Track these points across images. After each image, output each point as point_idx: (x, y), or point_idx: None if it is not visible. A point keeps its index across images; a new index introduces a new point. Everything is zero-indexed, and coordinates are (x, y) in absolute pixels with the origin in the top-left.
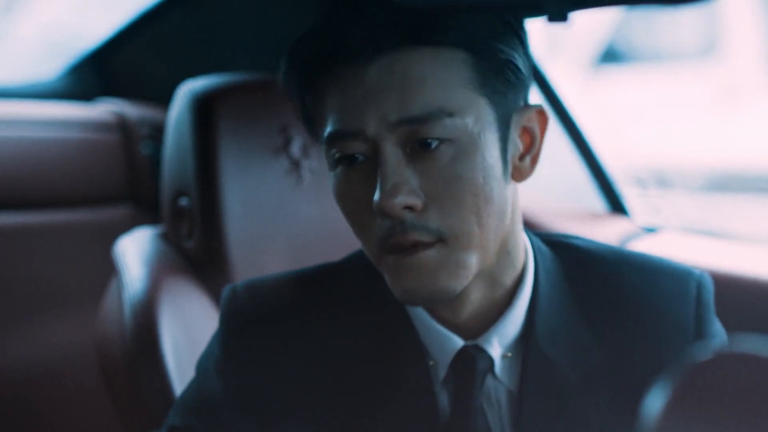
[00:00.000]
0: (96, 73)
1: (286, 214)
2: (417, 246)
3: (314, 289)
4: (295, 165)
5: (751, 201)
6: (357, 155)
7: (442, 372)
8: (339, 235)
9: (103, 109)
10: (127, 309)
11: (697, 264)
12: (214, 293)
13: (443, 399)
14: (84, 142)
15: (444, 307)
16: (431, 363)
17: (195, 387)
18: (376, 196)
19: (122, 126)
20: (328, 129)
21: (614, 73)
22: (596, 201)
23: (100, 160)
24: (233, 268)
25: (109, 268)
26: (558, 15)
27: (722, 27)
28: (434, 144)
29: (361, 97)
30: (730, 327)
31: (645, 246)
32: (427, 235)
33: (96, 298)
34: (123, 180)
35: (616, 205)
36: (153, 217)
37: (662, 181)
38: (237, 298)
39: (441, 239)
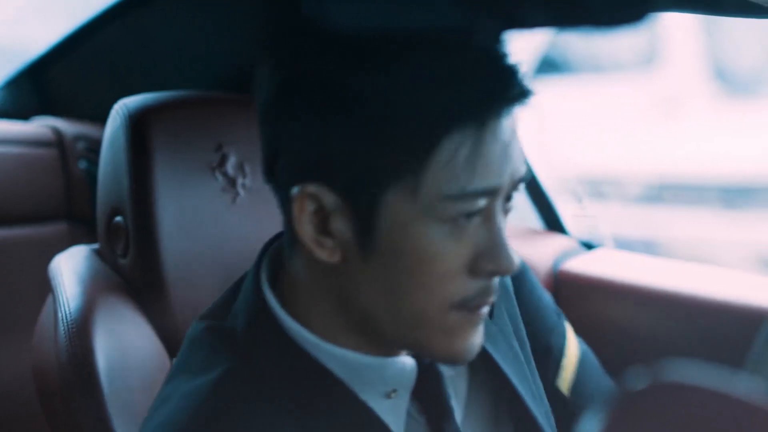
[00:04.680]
0: (31, 89)
1: (222, 232)
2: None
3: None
4: (231, 183)
5: (687, 210)
6: (474, 213)
7: (404, 395)
8: None
9: (39, 125)
10: (62, 328)
11: (634, 281)
12: (149, 312)
13: (414, 415)
14: (19, 158)
15: (371, 347)
16: (393, 392)
17: None
18: (506, 257)
19: (59, 142)
20: (471, 186)
21: (551, 83)
22: (532, 217)
23: (35, 177)
24: (168, 286)
25: (45, 287)
26: (492, 38)
27: (661, 37)
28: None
29: (499, 152)
30: (667, 345)
31: (582, 263)
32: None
33: (32, 317)
34: (60, 197)
35: (552, 221)
36: (90, 233)
37: (600, 193)
38: None
39: None
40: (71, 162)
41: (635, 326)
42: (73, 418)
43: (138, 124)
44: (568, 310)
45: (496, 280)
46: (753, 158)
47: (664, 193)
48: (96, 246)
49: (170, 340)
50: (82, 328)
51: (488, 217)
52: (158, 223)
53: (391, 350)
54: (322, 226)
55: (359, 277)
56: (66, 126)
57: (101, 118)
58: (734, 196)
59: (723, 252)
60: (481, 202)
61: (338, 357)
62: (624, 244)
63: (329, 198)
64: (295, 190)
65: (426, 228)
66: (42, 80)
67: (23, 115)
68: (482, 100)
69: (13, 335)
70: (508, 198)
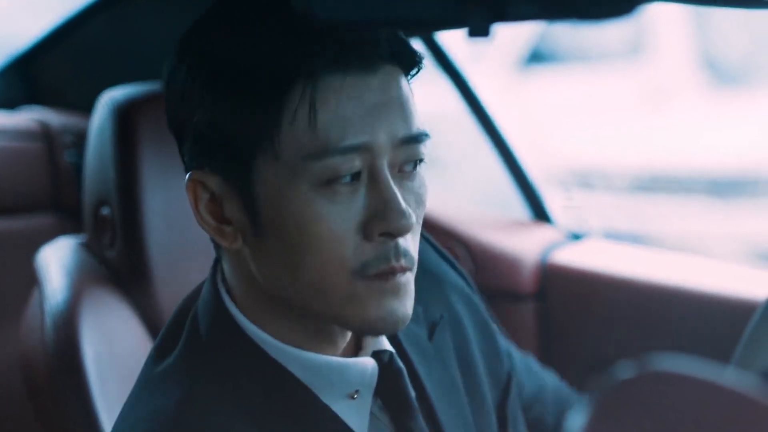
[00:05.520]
0: (19, 80)
1: None
2: (402, 271)
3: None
4: None
5: (676, 202)
6: (347, 176)
7: (367, 396)
8: None
9: (25, 117)
10: (49, 320)
11: (622, 273)
12: (135, 303)
13: (378, 415)
14: (6, 150)
15: (327, 346)
16: (355, 393)
17: None
18: (394, 217)
19: (45, 134)
20: (333, 141)
21: (540, 74)
22: (520, 208)
23: (22, 169)
24: (155, 278)
25: (32, 278)
26: (479, 29)
27: (649, 28)
28: (417, 164)
29: (367, 109)
30: (655, 337)
31: (569, 254)
32: (410, 261)
33: (19, 309)
34: (46, 188)
35: (540, 212)
36: (77, 225)
37: (588, 183)
38: None
39: (413, 267)
40: (58, 153)
41: (623, 317)
42: (59, 409)
43: (124, 115)
44: (555, 300)
45: (401, 243)
46: (742, 149)
47: (653, 183)
48: (82, 237)
49: (156, 332)
50: (69, 319)
51: (373, 178)
52: (145, 214)
53: (341, 345)
54: (219, 214)
55: (261, 258)
56: (53, 117)
57: (89, 109)
58: (723, 187)
59: (712, 243)
60: (354, 162)
61: (299, 359)
62: (612, 236)
63: (214, 182)
64: (186, 178)
65: (300, 193)
66: (30, 71)
67: (10, 105)
68: (305, 56)
69: (1, 324)
70: (414, 163)
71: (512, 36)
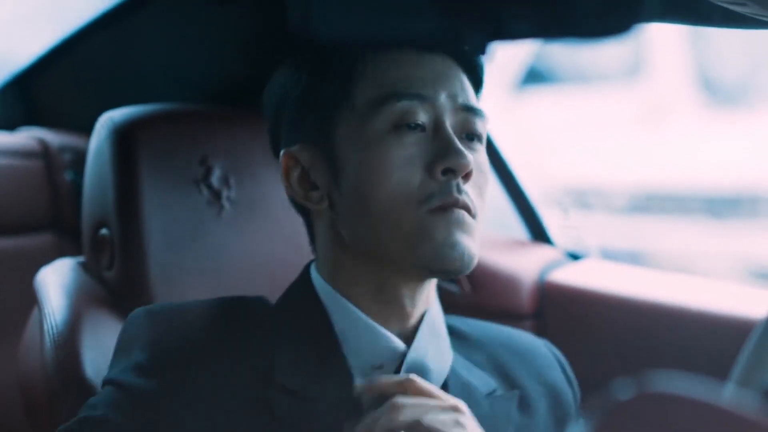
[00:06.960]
0: (18, 100)
1: (207, 244)
2: (463, 208)
3: (229, 316)
4: (216, 195)
5: (673, 221)
6: (412, 123)
7: (389, 372)
8: (259, 265)
9: (25, 137)
10: (48, 341)
11: (620, 292)
12: None
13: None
14: (5, 169)
15: (395, 313)
16: (380, 368)
17: (109, 392)
18: (455, 156)
19: (45, 153)
20: (400, 89)
21: (537, 94)
22: (518, 228)
23: (22, 188)
24: (154, 299)
25: (31, 298)
26: (477, 48)
27: (646, 48)
28: (476, 140)
29: (433, 75)
30: (653, 356)
31: (568, 274)
32: (471, 204)
33: (19, 329)
34: (45, 208)
35: (538, 232)
36: (76, 245)
37: (586, 203)
38: (155, 316)
39: (474, 216)
40: (57, 173)
41: (621, 337)
42: (59, 423)
43: (123, 136)
44: (554, 320)
45: (462, 183)
46: (740, 168)
47: (650, 203)
48: (82, 258)
49: None
50: (69, 340)
51: (437, 131)
52: (144, 235)
53: (410, 312)
54: (307, 184)
55: (341, 212)
56: (52, 137)
57: (87, 129)
58: (720, 206)
59: (709, 263)
60: (418, 112)
61: (350, 315)
62: (610, 255)
63: (305, 155)
64: (281, 153)
65: (371, 135)
66: (28, 90)
67: (9, 125)
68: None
69: (1, 344)
70: (473, 136)
71: (509, 56)
